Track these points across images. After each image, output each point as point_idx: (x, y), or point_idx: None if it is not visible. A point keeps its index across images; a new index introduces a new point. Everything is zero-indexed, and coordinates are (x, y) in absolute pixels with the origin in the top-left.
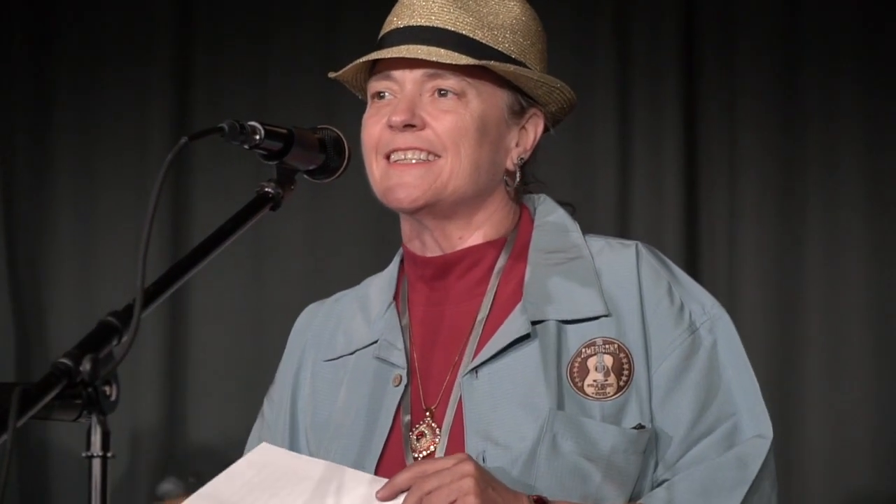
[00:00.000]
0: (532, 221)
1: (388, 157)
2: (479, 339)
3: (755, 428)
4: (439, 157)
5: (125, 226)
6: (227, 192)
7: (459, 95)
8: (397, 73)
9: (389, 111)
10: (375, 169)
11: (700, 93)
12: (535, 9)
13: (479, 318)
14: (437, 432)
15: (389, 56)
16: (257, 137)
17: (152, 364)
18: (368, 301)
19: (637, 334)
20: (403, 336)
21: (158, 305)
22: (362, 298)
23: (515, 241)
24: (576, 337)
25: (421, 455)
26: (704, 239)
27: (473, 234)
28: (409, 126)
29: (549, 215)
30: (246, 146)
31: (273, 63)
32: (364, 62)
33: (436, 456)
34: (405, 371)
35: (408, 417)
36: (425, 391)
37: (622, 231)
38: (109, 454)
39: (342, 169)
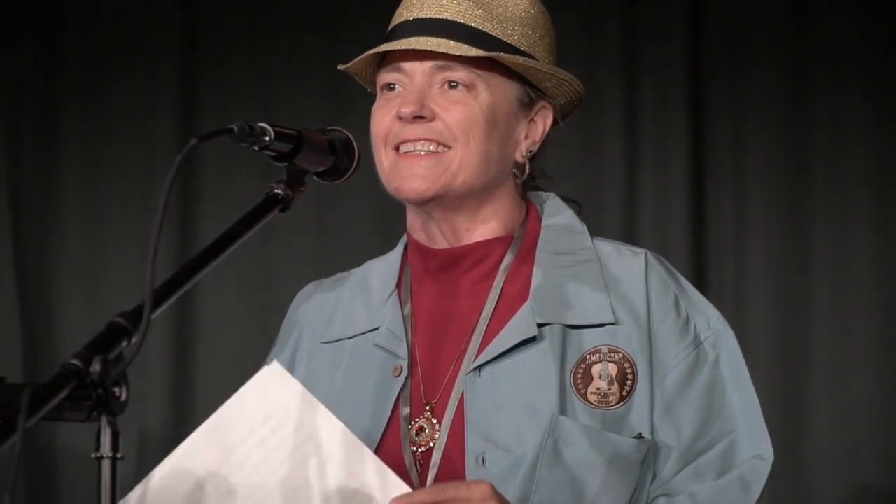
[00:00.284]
0: (539, 220)
1: (397, 148)
2: (483, 337)
3: (754, 448)
4: (449, 148)
5: (134, 227)
6: (237, 193)
7: (469, 87)
8: (407, 65)
9: (399, 102)
10: (384, 160)
11: (708, 101)
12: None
13: (483, 314)
14: (437, 428)
15: (400, 48)
16: (267, 139)
17: (161, 365)
18: (369, 286)
19: (643, 345)
20: (405, 326)
21: (167, 307)
22: (363, 282)
23: (523, 240)
24: (581, 342)
25: (420, 449)
26: (712, 242)
27: (480, 227)
28: (418, 118)
29: (557, 215)
30: (255, 148)
31: (281, 64)
32: (374, 54)
33: (434, 451)
34: (406, 362)
35: (407, 410)
36: (426, 385)
37: (629, 236)
38: (119, 455)
39: (352, 170)
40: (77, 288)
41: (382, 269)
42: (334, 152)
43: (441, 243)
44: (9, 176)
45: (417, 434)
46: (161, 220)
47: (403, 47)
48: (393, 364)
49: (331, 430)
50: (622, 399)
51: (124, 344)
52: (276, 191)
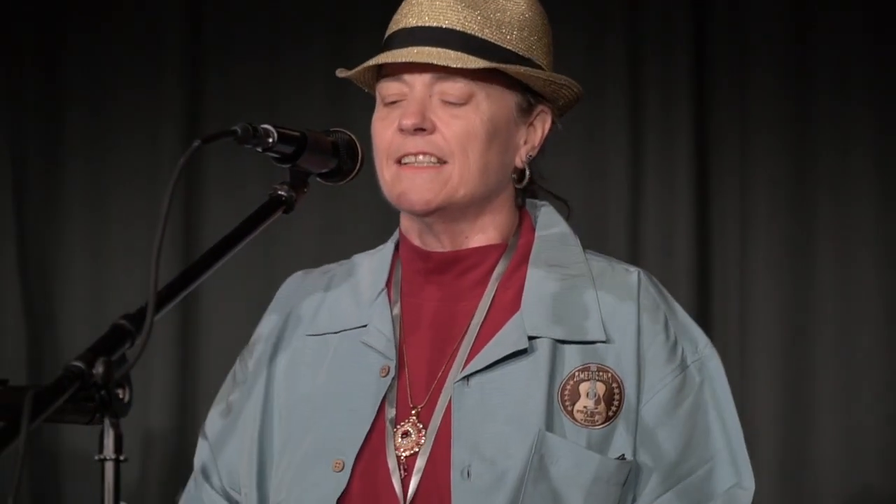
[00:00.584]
0: (533, 230)
1: (398, 160)
2: (472, 344)
3: (733, 477)
4: (446, 163)
5: (137, 229)
6: (240, 195)
7: (469, 98)
8: (406, 76)
9: (399, 114)
10: (386, 173)
11: (711, 106)
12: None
13: (474, 321)
14: (423, 433)
15: (400, 60)
16: (270, 140)
17: (164, 367)
18: (358, 282)
19: (631, 365)
20: (394, 326)
21: (170, 308)
22: (352, 276)
23: (517, 248)
24: (571, 358)
25: (404, 454)
26: (715, 244)
27: (478, 234)
28: (419, 130)
29: (551, 226)
30: (259, 149)
31: (285, 66)
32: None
33: (419, 457)
34: (394, 363)
35: (393, 412)
36: (413, 388)
37: (633, 241)
38: (122, 457)
39: (355, 172)
40: (81, 290)
41: (372, 266)
42: (338, 154)
43: (437, 248)
44: (13, 180)
45: (403, 438)
46: (164, 222)
47: (404, 59)
48: (380, 364)
49: None
50: (608, 419)
51: (127, 346)
52: (279, 192)
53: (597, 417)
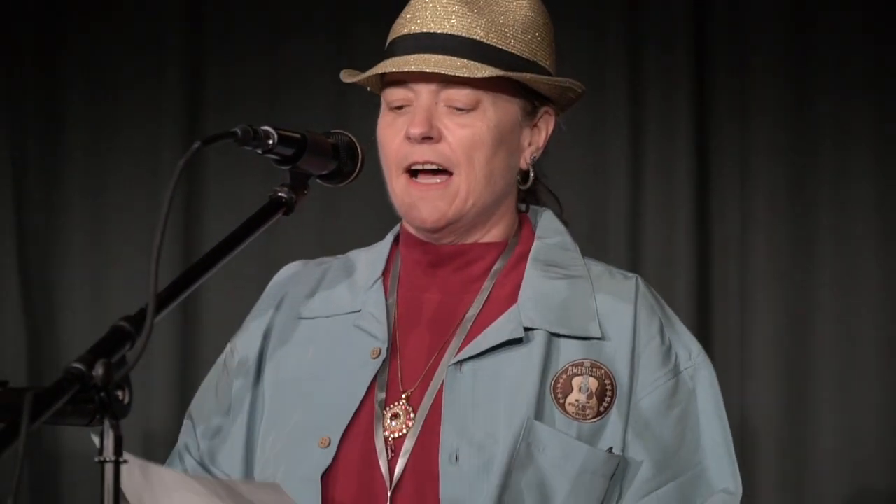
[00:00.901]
0: (533, 234)
1: (407, 170)
2: (466, 334)
3: (722, 482)
4: (451, 174)
5: (137, 230)
6: (240, 196)
7: (476, 105)
8: (413, 83)
9: (406, 122)
10: (396, 185)
11: (712, 106)
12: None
13: (469, 314)
14: (412, 417)
15: (407, 69)
16: (270, 142)
17: (164, 368)
18: (355, 271)
19: (625, 364)
20: (388, 313)
21: (171, 310)
22: (348, 267)
23: (516, 248)
24: (565, 352)
25: (392, 435)
26: (716, 246)
27: (482, 234)
28: (426, 138)
29: (551, 232)
30: (259, 151)
31: (285, 68)
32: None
33: (407, 439)
34: (386, 346)
35: (382, 395)
36: (404, 373)
37: (633, 242)
38: (122, 459)
39: (356, 173)
40: (81, 292)
41: (369, 257)
42: (338, 155)
43: (440, 244)
44: (13, 180)
45: (392, 420)
46: (164, 223)
47: (411, 68)
48: (371, 346)
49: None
50: (599, 414)
51: (128, 347)
52: (279, 194)
53: (588, 412)
